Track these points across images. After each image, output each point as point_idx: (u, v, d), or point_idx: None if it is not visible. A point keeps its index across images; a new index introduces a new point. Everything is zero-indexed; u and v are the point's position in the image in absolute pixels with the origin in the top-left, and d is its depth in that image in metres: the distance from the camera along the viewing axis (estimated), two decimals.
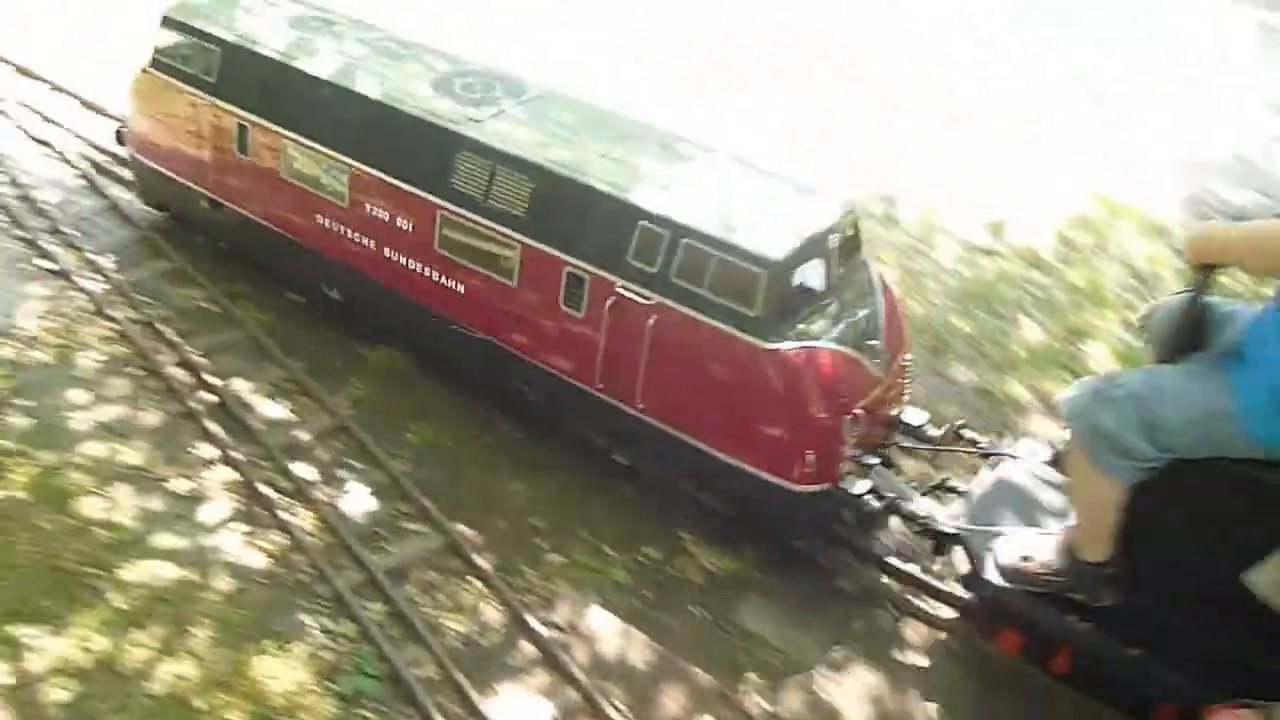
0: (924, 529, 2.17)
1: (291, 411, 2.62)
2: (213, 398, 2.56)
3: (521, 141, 2.27)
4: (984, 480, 2.07)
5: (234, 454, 2.46)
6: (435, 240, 2.32)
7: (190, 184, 2.77)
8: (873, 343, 2.11)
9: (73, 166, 3.20)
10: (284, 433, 2.56)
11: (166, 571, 2.28)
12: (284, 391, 2.64)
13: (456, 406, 2.64)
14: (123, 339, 2.58)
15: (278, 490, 2.43)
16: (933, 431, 2.33)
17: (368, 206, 2.40)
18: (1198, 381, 1.54)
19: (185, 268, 2.82)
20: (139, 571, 2.24)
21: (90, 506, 2.29)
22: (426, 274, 2.36)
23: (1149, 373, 1.62)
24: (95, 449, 2.42)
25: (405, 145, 2.34)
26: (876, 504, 2.17)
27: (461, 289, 2.33)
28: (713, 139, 2.59)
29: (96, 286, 2.73)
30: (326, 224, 2.49)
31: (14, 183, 3.10)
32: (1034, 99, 5.17)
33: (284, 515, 2.37)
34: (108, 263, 2.82)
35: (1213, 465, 1.54)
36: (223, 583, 2.27)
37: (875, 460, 2.21)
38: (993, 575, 1.90)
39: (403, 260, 2.39)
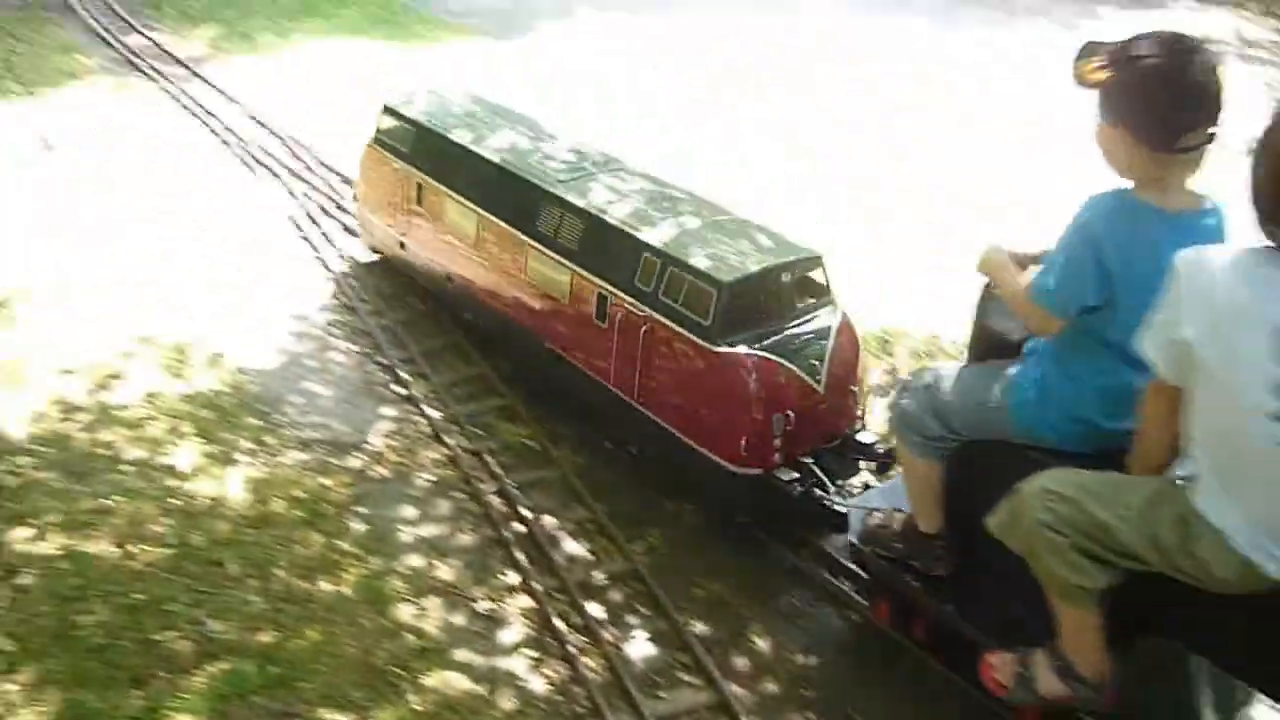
0: (822, 508, 2.76)
1: (591, 552, 2.98)
2: (523, 529, 3.03)
3: (585, 197, 3.16)
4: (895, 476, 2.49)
5: (534, 584, 2.84)
6: (525, 270, 3.24)
7: (389, 229, 3.93)
8: (814, 363, 2.75)
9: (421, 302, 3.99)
10: (582, 571, 2.95)
11: (460, 683, 2.67)
12: (587, 532, 3.04)
13: (746, 567, 2.93)
14: (453, 464, 3.13)
15: (569, 624, 2.78)
16: (880, 449, 2.84)
17: (486, 242, 3.41)
18: (983, 377, 2.08)
19: (515, 405, 3.39)
20: (437, 679, 2.65)
21: (405, 612, 2.75)
22: (513, 292, 3.33)
23: (951, 367, 2.23)
24: (416, 561, 2.91)
25: (511, 197, 3.31)
26: (799, 489, 2.70)
27: (537, 306, 3.22)
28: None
29: (437, 414, 3.36)
30: (460, 255, 3.57)
31: (377, 311, 3.92)
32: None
33: (571, 648, 2.71)
34: (450, 394, 3.46)
35: (992, 445, 2.02)
36: (507, 702, 2.62)
37: (810, 459, 2.77)
38: (854, 538, 2.49)
39: (504, 283, 3.36)
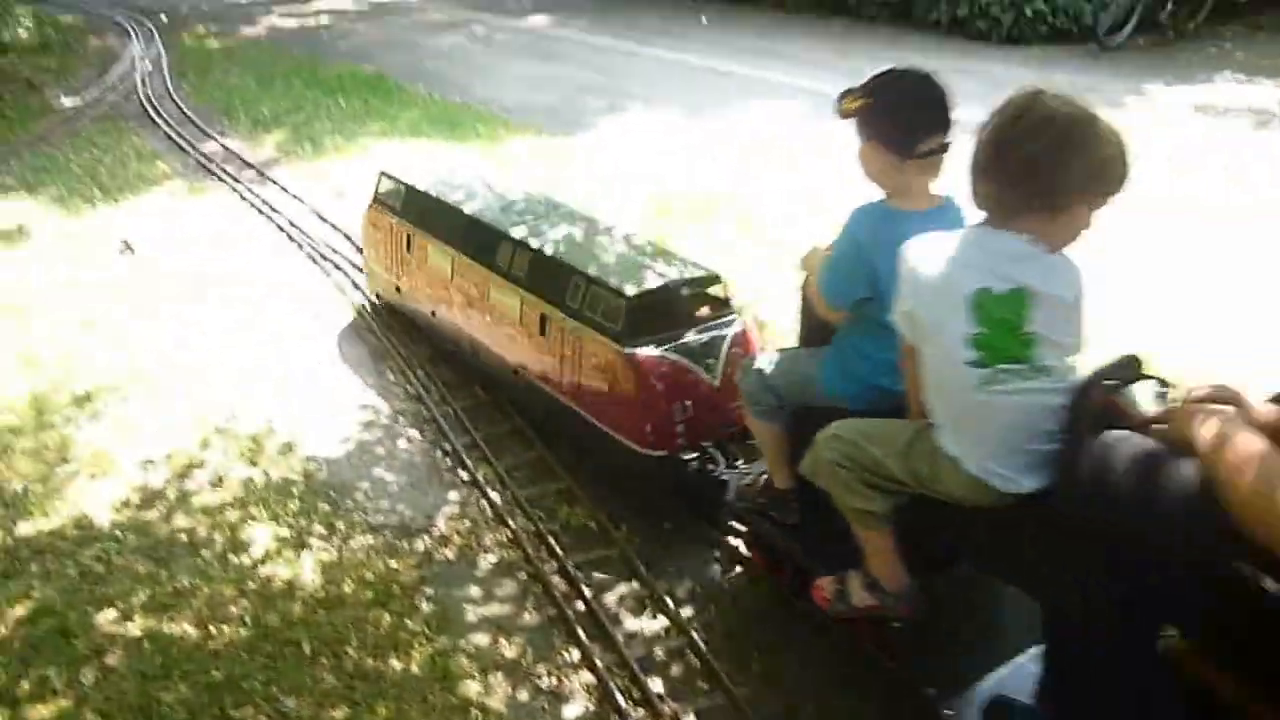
0: (711, 479, 3.19)
1: (650, 627, 3.11)
2: (584, 607, 3.13)
3: (532, 236, 3.64)
4: None
5: (596, 660, 2.94)
6: (488, 299, 3.70)
7: (387, 275, 4.50)
8: (710, 362, 3.13)
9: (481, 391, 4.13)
10: (642, 646, 2.99)
11: None
12: (646, 608, 3.13)
13: (801, 642, 3.00)
14: (516, 545, 3.23)
15: (630, 699, 2.86)
16: None
17: (459, 279, 3.88)
18: (804, 359, 2.67)
19: (574, 488, 3.50)
20: None
21: (471, 689, 2.83)
22: (480, 320, 3.81)
23: (780, 353, 2.80)
24: (481, 639, 2.99)
25: (476, 239, 3.80)
26: (694, 466, 3.22)
27: (498, 329, 3.68)
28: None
29: (500, 498, 3.48)
30: (440, 291, 4.05)
31: (443, 399, 4.07)
32: None
33: None
34: (512, 478, 3.58)
35: (814, 410, 2.51)
36: None
37: (709, 443, 3.17)
38: (729, 499, 3.01)
39: (473, 312, 3.81)
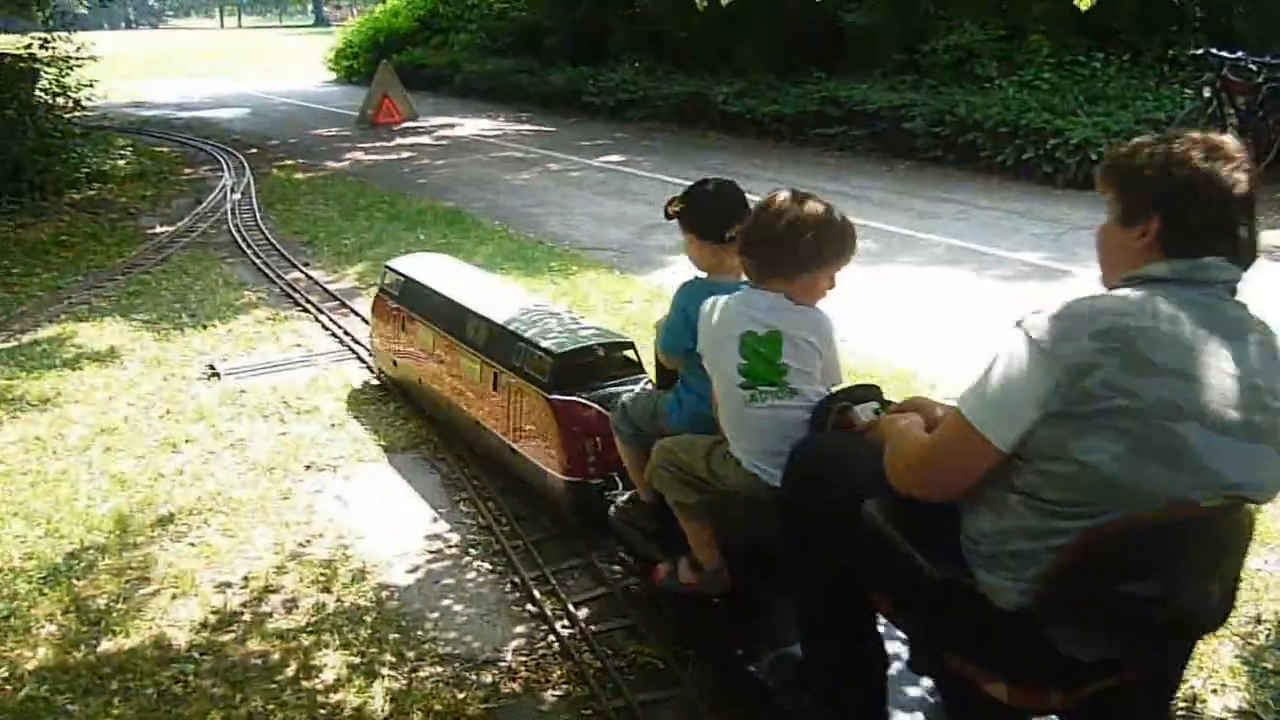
0: (608, 500, 3.85)
1: None
2: None
3: (491, 311, 4.51)
4: None
5: None
6: (459, 366, 4.46)
7: (387, 353, 5.24)
8: (620, 404, 3.64)
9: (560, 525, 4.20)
10: None
11: None
12: None
13: None
14: (581, 681, 3.27)
15: None
16: None
17: (438, 351, 4.68)
18: (654, 397, 3.46)
19: (639, 625, 3.54)
20: None
21: None
22: (452, 382, 4.55)
23: (639, 392, 3.73)
24: None
25: (449, 315, 4.66)
26: (599, 488, 3.92)
27: (465, 390, 4.46)
28: None
29: (567, 632, 3.52)
30: (425, 361, 4.84)
31: (513, 532, 4.14)
32: None
33: None
34: (580, 613, 3.63)
35: (661, 435, 3.22)
36: None
37: (614, 473, 3.90)
38: (610, 514, 3.73)
39: (447, 378, 4.64)
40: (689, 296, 3.09)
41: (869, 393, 2.67)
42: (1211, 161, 1.95)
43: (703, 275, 3.20)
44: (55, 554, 4.08)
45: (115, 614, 3.68)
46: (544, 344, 4.12)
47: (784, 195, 2.74)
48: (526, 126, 6.46)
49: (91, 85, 14.28)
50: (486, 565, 3.98)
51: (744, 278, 2.89)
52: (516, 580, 3.84)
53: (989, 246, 8.64)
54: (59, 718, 3.16)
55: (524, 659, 3.39)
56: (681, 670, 3.29)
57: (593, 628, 3.53)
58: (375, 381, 5.73)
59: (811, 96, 14.65)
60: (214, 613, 3.70)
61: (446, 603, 3.75)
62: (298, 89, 27.20)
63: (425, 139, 16.94)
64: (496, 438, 4.42)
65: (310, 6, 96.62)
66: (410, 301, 5.07)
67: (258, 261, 8.78)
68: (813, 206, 2.69)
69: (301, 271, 8.31)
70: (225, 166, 14.11)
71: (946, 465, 2.06)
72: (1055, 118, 11.74)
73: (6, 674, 3.37)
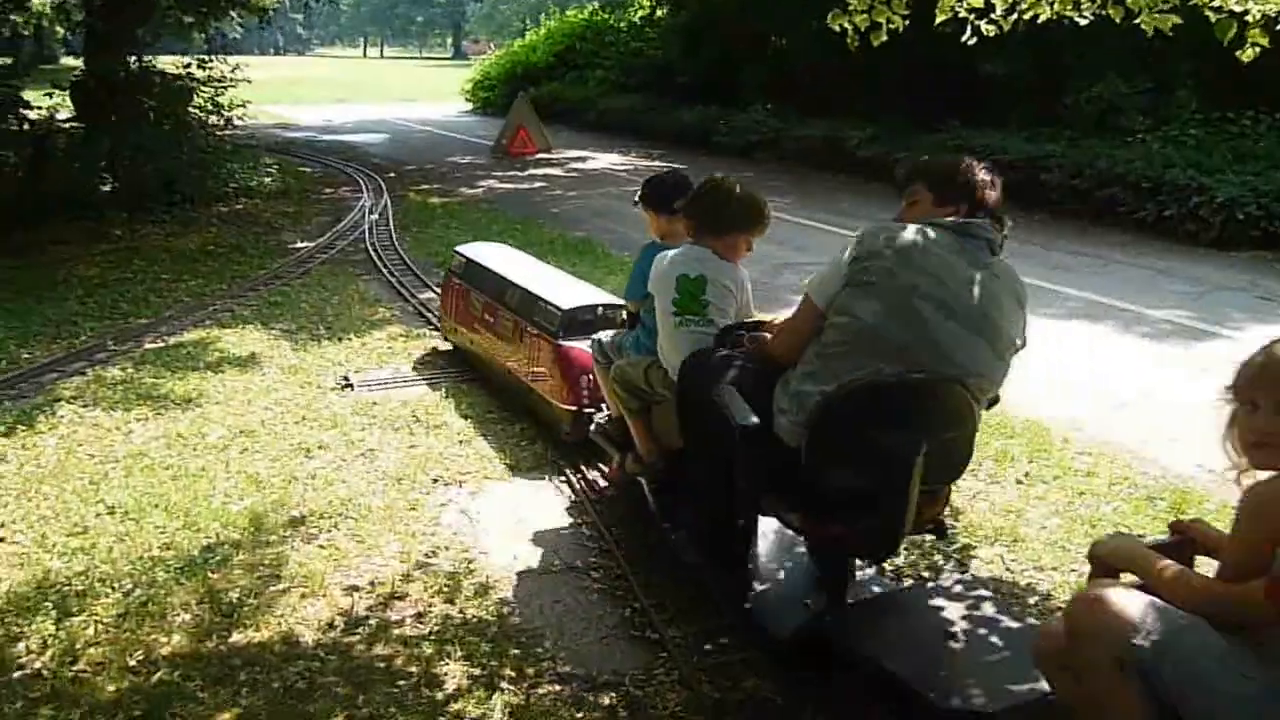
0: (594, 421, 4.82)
1: None
2: None
3: (523, 280, 5.81)
4: None
5: None
6: (499, 327, 5.79)
7: (453, 325, 6.60)
8: (596, 340, 4.54)
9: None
10: None
11: None
12: None
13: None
14: (698, 710, 3.19)
15: None
16: None
17: (485, 314, 5.99)
18: (621, 335, 4.31)
19: (760, 660, 3.50)
20: None
21: None
22: (492, 339, 5.88)
23: (612, 332, 4.54)
24: None
25: (495, 287, 5.97)
26: (587, 414, 4.89)
27: (502, 346, 5.75)
28: None
29: (685, 662, 3.46)
30: (476, 326, 6.15)
31: (634, 558, 4.14)
32: None
33: None
34: (699, 643, 3.54)
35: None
36: None
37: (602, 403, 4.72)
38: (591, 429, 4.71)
39: (492, 338, 5.91)
40: (645, 255, 4.11)
41: (759, 326, 3.49)
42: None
43: (657, 240, 4.22)
44: (192, 546, 4.21)
45: (247, 608, 3.78)
46: (556, 302, 5.27)
47: (719, 177, 3.81)
48: (657, 162, 6.51)
49: (244, 106, 14.90)
50: (608, 589, 3.98)
51: (687, 240, 3.79)
52: (637, 606, 3.83)
53: (1128, 302, 8.39)
54: (189, 704, 3.24)
55: (642, 685, 3.37)
56: (802, 711, 3.24)
57: (711, 659, 3.49)
58: (445, 346, 6.88)
59: (946, 145, 14.46)
60: (341, 614, 3.77)
61: (567, 622, 3.75)
62: (435, 118, 27.95)
63: (558, 170, 17.23)
64: (519, 379, 5.54)
65: (449, 40, 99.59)
66: (469, 278, 6.27)
67: (392, 280, 9.00)
68: (738, 186, 3.72)
69: (434, 291, 8.49)
70: (364, 188, 14.54)
71: (795, 329, 3.07)
72: (1201, 175, 11.39)
73: (142, 657, 3.48)
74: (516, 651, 3.55)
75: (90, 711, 3.19)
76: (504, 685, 3.35)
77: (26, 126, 11.79)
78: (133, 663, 3.44)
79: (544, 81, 27.24)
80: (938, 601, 3.15)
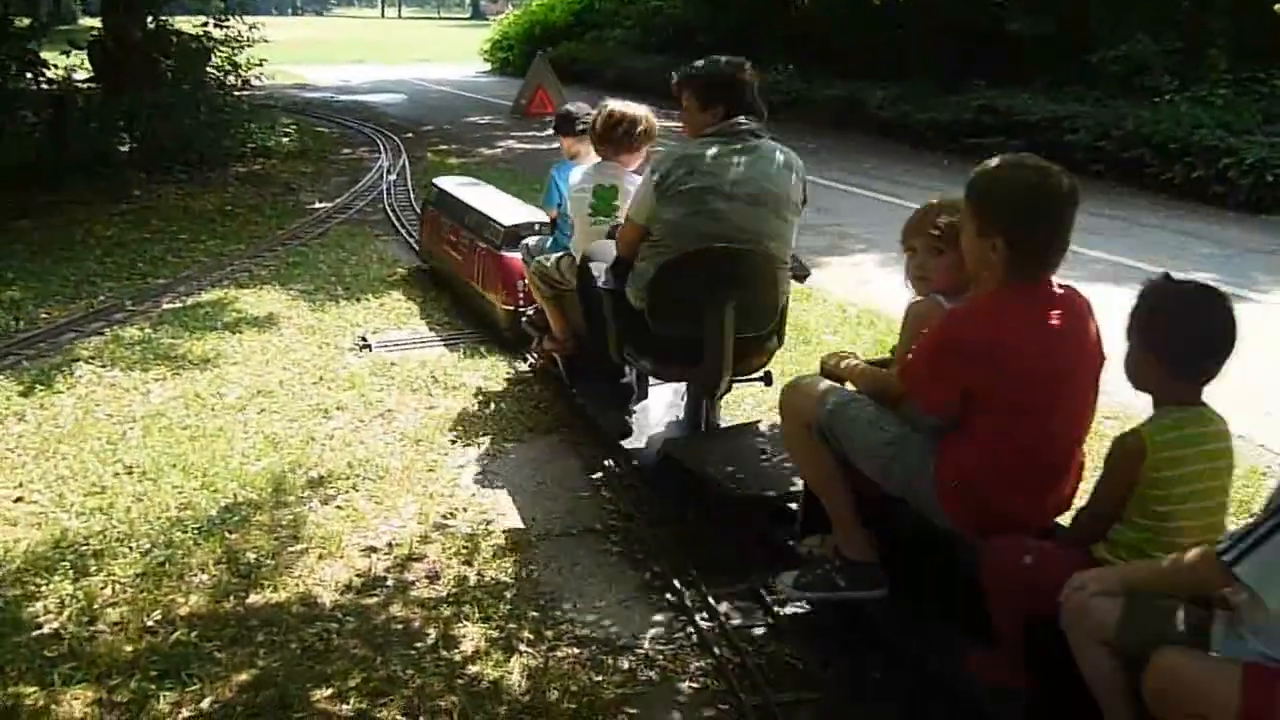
0: (526, 317, 5.73)
1: None
2: None
3: (480, 205, 6.75)
4: None
5: None
6: (458, 244, 6.78)
7: (428, 246, 7.70)
8: (524, 244, 5.67)
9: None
10: None
11: None
12: None
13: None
14: (719, 675, 3.18)
15: None
16: None
17: (449, 234, 7.00)
18: (542, 239, 5.47)
19: (784, 624, 3.45)
20: None
21: None
22: (455, 256, 6.84)
23: (538, 238, 5.63)
24: None
25: (456, 210, 6.99)
26: (522, 312, 5.75)
27: (458, 259, 6.77)
28: None
29: (706, 625, 3.45)
30: (443, 245, 7.16)
31: (654, 521, 4.10)
32: None
33: None
34: (720, 606, 3.56)
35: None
36: None
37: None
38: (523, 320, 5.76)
39: (452, 253, 6.92)
40: (558, 170, 5.34)
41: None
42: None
43: (567, 160, 5.40)
44: (210, 507, 4.19)
45: (265, 569, 3.76)
46: (500, 220, 6.22)
47: (615, 104, 4.77)
48: (676, 123, 6.47)
49: (260, 65, 14.81)
50: (627, 552, 3.95)
51: (591, 159, 4.89)
52: (658, 569, 3.79)
53: (1155, 265, 8.24)
54: (206, 664, 3.23)
55: (662, 648, 3.34)
56: (822, 673, 3.20)
57: (733, 623, 3.46)
58: (423, 268, 7.84)
59: (969, 105, 14.27)
60: (359, 575, 3.75)
61: (585, 585, 3.72)
62: (453, 78, 27.75)
63: None
64: (472, 288, 6.50)
65: (467, 0, 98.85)
66: (440, 206, 7.29)
67: (410, 240, 8.93)
68: (633, 110, 4.71)
69: None
70: (382, 148, 14.46)
71: (630, 239, 4.03)
72: (1230, 136, 11.18)
73: (160, 617, 3.47)
74: (535, 614, 3.52)
75: (108, 671, 3.18)
76: (522, 648, 3.33)
77: (45, 86, 11.74)
78: (150, 623, 3.44)
79: (563, 41, 26.98)
80: (757, 432, 4.21)
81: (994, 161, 2.78)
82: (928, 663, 3.05)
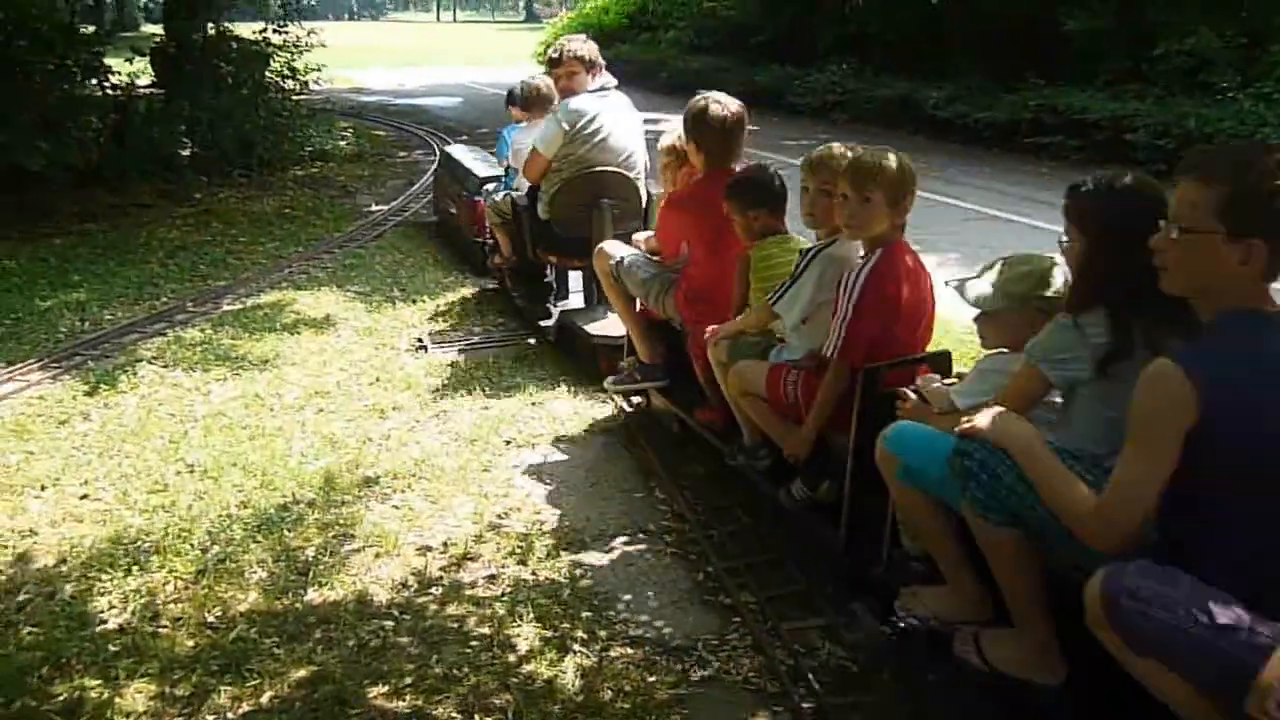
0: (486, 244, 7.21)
1: None
2: None
3: (468, 161, 8.42)
4: None
5: None
6: (452, 192, 8.41)
7: (438, 201, 9.39)
8: (486, 190, 7.18)
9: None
10: None
11: None
12: None
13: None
14: (773, 677, 3.17)
15: None
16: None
17: (451, 188, 8.50)
18: (502, 183, 6.90)
19: (837, 625, 3.43)
20: None
21: None
22: (451, 204, 8.46)
23: (497, 185, 7.15)
24: None
25: (458, 168, 8.43)
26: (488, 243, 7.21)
27: (451, 203, 8.49)
28: None
29: (759, 626, 3.41)
30: (446, 200, 8.85)
31: (706, 523, 4.10)
32: None
33: None
34: (772, 608, 3.50)
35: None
36: None
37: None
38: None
39: (449, 199, 8.57)
40: (506, 131, 6.77)
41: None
42: None
43: (512, 123, 6.69)
44: (268, 505, 4.25)
45: (322, 566, 3.81)
46: (476, 173, 7.65)
47: (536, 79, 6.45)
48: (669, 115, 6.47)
49: (318, 70, 14.99)
50: (679, 553, 3.94)
51: (529, 122, 6.26)
52: (710, 570, 3.79)
53: None
54: (265, 660, 3.27)
55: (715, 649, 3.33)
56: (876, 675, 3.17)
57: (785, 624, 3.44)
58: (435, 220, 9.41)
59: (1026, 103, 14.09)
60: (414, 574, 3.78)
61: (639, 586, 3.72)
62: (508, 80, 27.81)
63: None
64: (459, 225, 8.13)
65: (522, 3, 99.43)
66: (445, 167, 9.03)
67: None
68: (540, 81, 6.37)
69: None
70: (437, 151, 14.56)
71: (538, 168, 5.63)
72: None
73: (220, 613, 3.52)
74: (589, 614, 3.53)
75: (169, 666, 3.23)
76: (576, 647, 3.33)
77: (109, 92, 11.97)
78: (210, 618, 3.49)
79: (616, 44, 27.01)
80: None
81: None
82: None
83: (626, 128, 5.64)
